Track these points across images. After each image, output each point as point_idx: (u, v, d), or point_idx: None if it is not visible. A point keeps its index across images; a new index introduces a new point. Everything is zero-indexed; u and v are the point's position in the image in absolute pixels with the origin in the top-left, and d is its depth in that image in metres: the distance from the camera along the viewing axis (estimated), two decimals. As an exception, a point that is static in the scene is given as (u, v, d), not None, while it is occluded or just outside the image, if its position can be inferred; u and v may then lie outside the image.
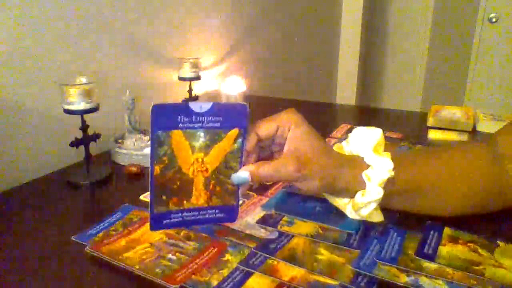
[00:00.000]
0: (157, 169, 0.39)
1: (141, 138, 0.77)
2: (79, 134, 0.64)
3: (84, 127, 0.64)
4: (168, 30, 1.01)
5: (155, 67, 0.99)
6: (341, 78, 2.23)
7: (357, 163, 0.46)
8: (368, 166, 0.45)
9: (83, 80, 0.63)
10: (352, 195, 0.46)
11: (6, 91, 0.68)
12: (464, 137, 0.84)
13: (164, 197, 0.41)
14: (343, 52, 2.19)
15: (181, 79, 0.97)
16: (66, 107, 0.61)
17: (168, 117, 0.39)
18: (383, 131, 0.48)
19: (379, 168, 0.44)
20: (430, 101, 2.02)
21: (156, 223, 0.42)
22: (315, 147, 0.44)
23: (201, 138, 0.40)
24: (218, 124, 0.40)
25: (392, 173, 0.44)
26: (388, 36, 2.50)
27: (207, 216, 0.43)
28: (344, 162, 0.46)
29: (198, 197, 0.42)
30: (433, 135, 0.86)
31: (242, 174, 0.43)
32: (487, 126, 0.87)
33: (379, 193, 0.44)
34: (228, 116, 0.41)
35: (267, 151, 0.47)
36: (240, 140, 0.42)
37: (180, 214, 0.42)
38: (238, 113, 0.41)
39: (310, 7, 1.83)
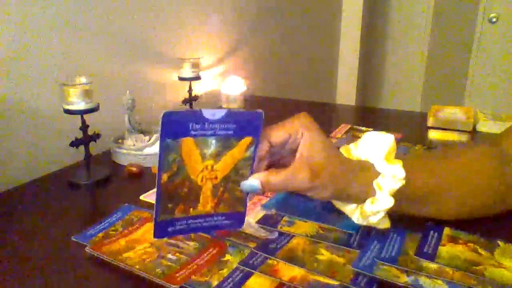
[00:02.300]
0: (164, 177, 0.38)
1: (141, 138, 0.77)
2: (79, 134, 0.64)
3: (84, 127, 0.64)
4: (168, 30, 1.01)
5: (155, 67, 0.99)
6: (341, 78, 2.22)
7: (368, 171, 0.44)
8: (379, 174, 0.44)
9: (83, 80, 0.62)
10: (361, 202, 0.45)
11: (6, 91, 0.68)
12: (464, 137, 0.84)
13: (170, 205, 0.39)
14: (343, 52, 2.19)
15: (181, 79, 0.97)
16: (66, 107, 0.61)
17: (179, 124, 0.37)
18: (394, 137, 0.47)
19: (390, 177, 0.43)
20: (430, 101, 2.02)
21: (161, 231, 0.40)
22: (328, 155, 0.43)
23: (212, 145, 0.39)
24: (231, 132, 0.39)
25: (403, 182, 0.43)
26: (388, 36, 2.50)
27: (212, 223, 0.42)
28: (355, 169, 0.44)
29: (205, 204, 0.41)
30: (433, 135, 0.86)
31: (253, 182, 0.41)
32: (487, 126, 0.87)
33: (389, 203, 0.43)
34: (242, 124, 0.39)
35: (276, 155, 0.45)
36: (252, 148, 0.40)
37: (185, 222, 0.41)
38: (252, 121, 0.40)
39: (310, 7, 1.83)
